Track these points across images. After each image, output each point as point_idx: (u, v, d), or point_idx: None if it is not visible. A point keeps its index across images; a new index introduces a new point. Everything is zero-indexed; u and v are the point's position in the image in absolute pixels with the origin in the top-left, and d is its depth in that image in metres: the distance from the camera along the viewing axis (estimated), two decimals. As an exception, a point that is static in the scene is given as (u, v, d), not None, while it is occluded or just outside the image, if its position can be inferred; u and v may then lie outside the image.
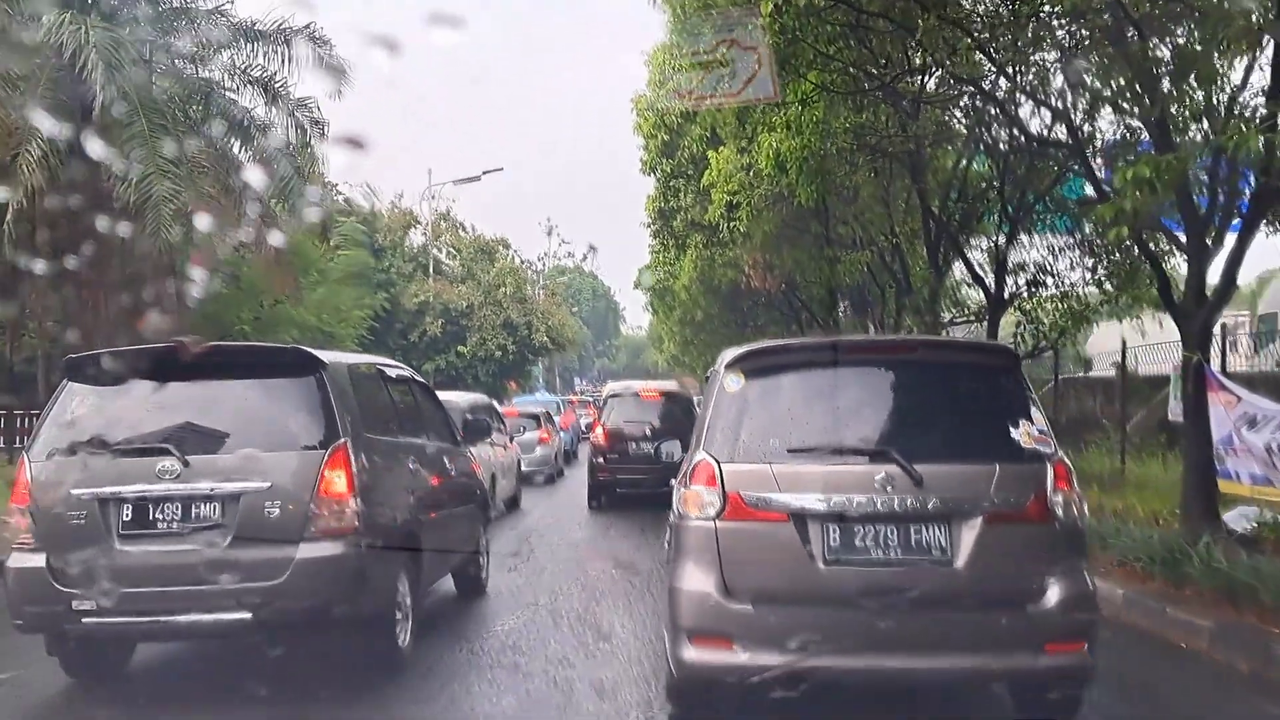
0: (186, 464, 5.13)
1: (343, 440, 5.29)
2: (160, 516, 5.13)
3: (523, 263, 42.06)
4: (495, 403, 16.34)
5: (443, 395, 14.16)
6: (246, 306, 20.37)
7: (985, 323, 14.25)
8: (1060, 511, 4.34)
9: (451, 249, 39.17)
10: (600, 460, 14.93)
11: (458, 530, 7.42)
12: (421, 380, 8.01)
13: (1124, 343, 12.08)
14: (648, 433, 14.72)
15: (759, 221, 13.10)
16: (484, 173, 37.30)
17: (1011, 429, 4.50)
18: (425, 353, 36.04)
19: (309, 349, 5.82)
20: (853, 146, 10.59)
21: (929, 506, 4.28)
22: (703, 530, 4.43)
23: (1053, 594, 4.24)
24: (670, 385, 17.75)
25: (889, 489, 4.30)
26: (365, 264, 30.69)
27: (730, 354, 4.94)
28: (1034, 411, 4.58)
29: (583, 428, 29.04)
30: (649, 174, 18.61)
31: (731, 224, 13.27)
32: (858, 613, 4.22)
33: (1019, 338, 13.84)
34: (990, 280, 13.34)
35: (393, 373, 7.13)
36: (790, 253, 17.37)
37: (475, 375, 36.99)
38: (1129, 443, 12.84)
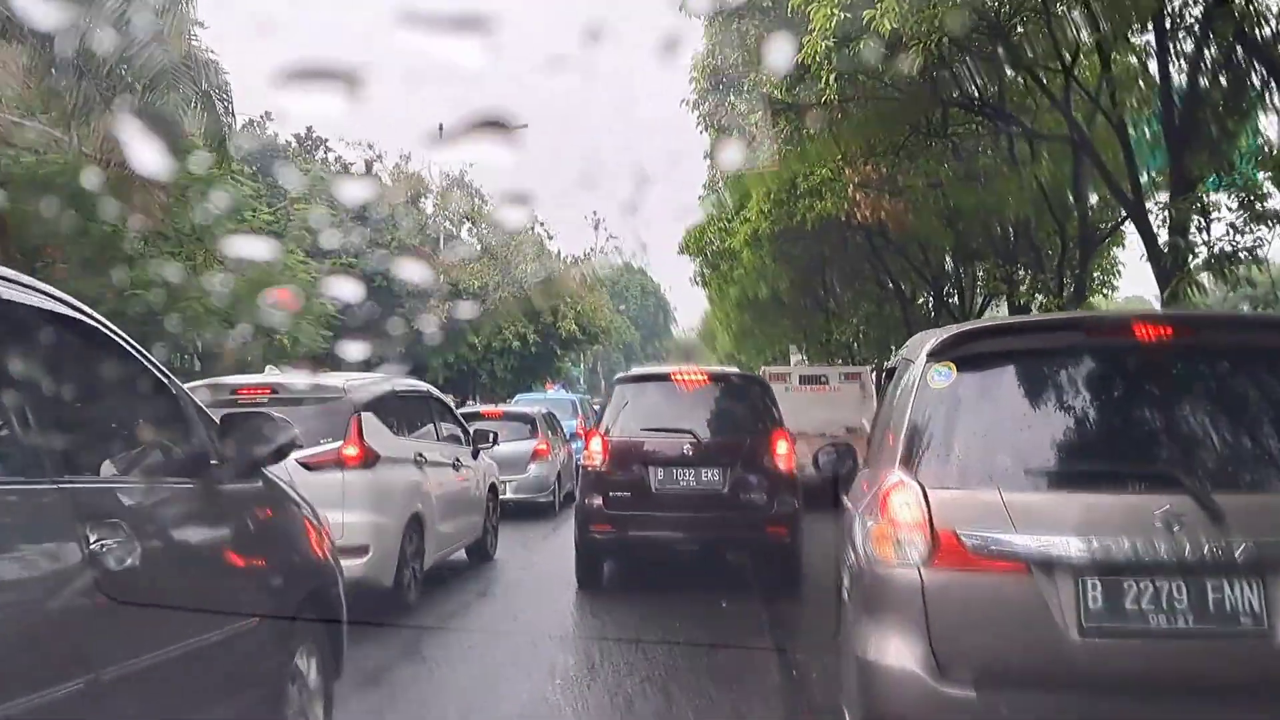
0: None
1: None
2: None
3: (547, 233, 36.13)
4: (437, 390, 9.82)
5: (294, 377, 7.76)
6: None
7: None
8: None
9: (464, 218, 33.43)
10: (596, 502, 7.87)
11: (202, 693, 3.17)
12: (111, 331, 3.15)
13: None
14: (688, 450, 7.88)
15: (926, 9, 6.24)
16: (504, 126, 31.15)
17: None
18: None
19: None
20: None
21: (1235, 553, 3.04)
22: (902, 582, 3.23)
23: None
24: (727, 369, 11.30)
25: (1175, 528, 3.05)
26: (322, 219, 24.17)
27: (934, 338, 3.70)
28: None
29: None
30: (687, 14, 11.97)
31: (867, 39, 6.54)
32: (1130, 702, 3.06)
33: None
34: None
35: None
36: (920, 167, 10.85)
37: (491, 370, 31.27)
38: None
